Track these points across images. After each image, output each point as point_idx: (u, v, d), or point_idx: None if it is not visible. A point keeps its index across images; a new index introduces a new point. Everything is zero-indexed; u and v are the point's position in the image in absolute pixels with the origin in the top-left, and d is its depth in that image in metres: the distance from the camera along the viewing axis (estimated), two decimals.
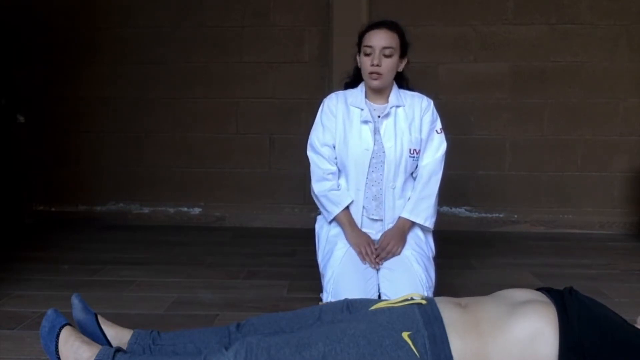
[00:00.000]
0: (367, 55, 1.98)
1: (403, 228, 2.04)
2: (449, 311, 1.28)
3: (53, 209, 3.74)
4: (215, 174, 3.68)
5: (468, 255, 2.92)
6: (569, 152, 3.55)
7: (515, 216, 3.60)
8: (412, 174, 2.09)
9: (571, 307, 1.23)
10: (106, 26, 3.60)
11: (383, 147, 2.01)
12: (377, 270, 1.97)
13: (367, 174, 2.03)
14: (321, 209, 2.14)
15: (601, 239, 3.37)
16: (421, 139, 2.05)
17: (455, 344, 1.21)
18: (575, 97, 3.51)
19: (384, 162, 2.01)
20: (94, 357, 1.30)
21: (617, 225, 3.54)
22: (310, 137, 2.14)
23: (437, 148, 2.08)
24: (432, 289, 1.97)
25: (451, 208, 3.60)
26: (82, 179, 3.71)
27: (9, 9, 3.54)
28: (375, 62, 1.96)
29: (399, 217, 2.05)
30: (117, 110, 3.66)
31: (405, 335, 1.22)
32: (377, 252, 1.98)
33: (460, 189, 3.51)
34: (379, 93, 2.06)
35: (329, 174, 2.08)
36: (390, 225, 2.06)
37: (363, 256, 1.97)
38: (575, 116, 3.52)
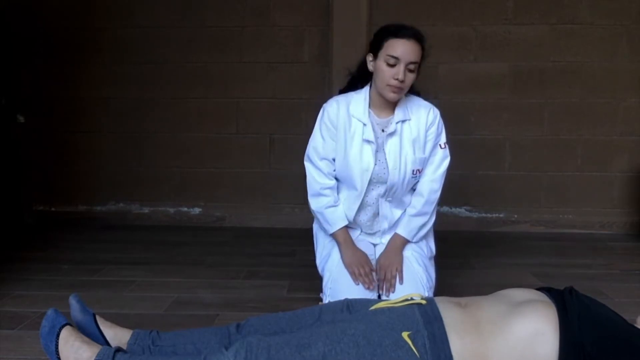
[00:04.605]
0: (390, 65, 1.82)
1: (395, 245, 1.99)
2: (449, 311, 1.28)
3: (53, 209, 3.74)
4: (215, 174, 3.68)
5: (468, 255, 2.92)
6: (569, 152, 3.55)
7: (515, 216, 3.60)
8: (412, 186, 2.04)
9: (571, 306, 1.23)
10: (106, 26, 3.60)
11: (386, 167, 1.94)
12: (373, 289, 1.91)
13: (366, 192, 1.97)
14: (316, 228, 2.14)
15: (601, 239, 3.36)
16: (424, 159, 1.98)
17: (455, 344, 1.21)
18: (575, 97, 3.51)
19: (384, 183, 1.96)
20: (94, 357, 1.30)
21: (617, 225, 3.54)
22: (308, 146, 2.05)
23: (438, 164, 2.00)
24: (433, 289, 1.97)
25: (451, 208, 3.60)
26: (82, 179, 3.71)
27: (9, 9, 3.54)
28: (401, 78, 1.81)
29: (394, 234, 2.02)
30: (117, 110, 3.66)
31: (405, 335, 1.22)
32: (377, 283, 1.91)
33: (460, 189, 3.51)
34: (386, 103, 1.94)
35: (325, 189, 2.01)
36: (386, 236, 2.04)
37: (356, 276, 1.89)
38: (575, 116, 3.52)
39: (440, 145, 2.00)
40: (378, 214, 2.03)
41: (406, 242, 2.01)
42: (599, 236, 3.45)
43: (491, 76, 3.52)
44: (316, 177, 2.02)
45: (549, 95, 3.51)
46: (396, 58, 1.81)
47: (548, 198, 3.58)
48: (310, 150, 2.04)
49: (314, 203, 2.04)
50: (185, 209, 3.71)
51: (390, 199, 2.00)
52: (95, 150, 3.69)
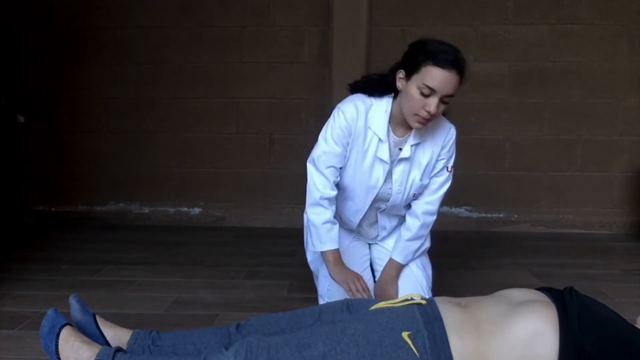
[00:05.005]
0: (424, 95, 1.63)
1: (390, 275, 1.93)
2: (449, 311, 1.28)
3: (53, 209, 3.74)
4: (215, 174, 3.68)
5: (468, 255, 2.92)
6: (569, 152, 3.55)
7: (515, 216, 3.60)
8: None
9: (571, 306, 1.23)
10: (106, 26, 3.60)
11: (391, 189, 1.86)
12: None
13: (368, 207, 1.93)
14: (306, 233, 2.02)
15: (601, 239, 3.37)
16: (429, 184, 1.91)
17: (455, 344, 1.20)
18: (575, 97, 3.51)
19: (386, 201, 1.91)
20: (94, 357, 1.30)
21: (617, 225, 3.54)
22: (316, 148, 1.85)
23: (439, 186, 1.90)
24: (431, 289, 1.97)
25: (451, 208, 3.60)
26: (82, 179, 3.71)
27: (9, 9, 3.54)
28: (433, 111, 1.63)
29: (390, 259, 1.95)
30: (117, 110, 3.66)
31: (405, 335, 1.22)
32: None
33: (460, 189, 3.49)
34: (407, 123, 1.76)
35: (325, 199, 1.84)
36: (386, 241, 2.03)
37: (353, 293, 1.74)
38: (575, 116, 3.52)
39: (447, 168, 1.89)
40: (376, 222, 2.02)
41: (401, 267, 1.95)
42: (599, 236, 3.45)
43: (491, 76, 3.52)
44: (319, 185, 1.84)
45: (549, 95, 3.52)
46: (432, 89, 1.62)
47: (548, 198, 3.58)
48: (317, 153, 1.84)
49: (312, 214, 1.89)
50: (185, 209, 3.71)
51: (387, 213, 1.98)
52: (95, 150, 3.69)
